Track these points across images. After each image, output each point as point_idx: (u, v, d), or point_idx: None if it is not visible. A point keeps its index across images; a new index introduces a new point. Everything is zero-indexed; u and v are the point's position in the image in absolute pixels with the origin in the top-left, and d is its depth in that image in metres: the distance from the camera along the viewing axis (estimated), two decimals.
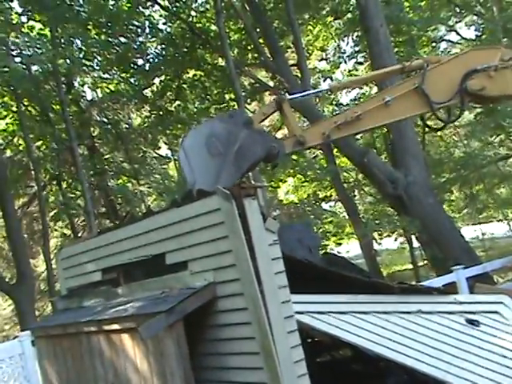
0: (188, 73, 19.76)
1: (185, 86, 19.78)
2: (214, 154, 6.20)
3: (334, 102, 23.12)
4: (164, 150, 22.98)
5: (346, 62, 22.64)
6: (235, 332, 4.47)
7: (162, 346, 4.38)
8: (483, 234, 24.55)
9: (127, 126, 21.05)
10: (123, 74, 19.19)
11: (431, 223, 14.86)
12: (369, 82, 10.38)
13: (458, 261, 13.20)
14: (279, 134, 18.58)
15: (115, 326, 4.91)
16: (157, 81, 19.81)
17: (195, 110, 20.00)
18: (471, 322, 5.93)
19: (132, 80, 19.37)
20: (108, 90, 19.89)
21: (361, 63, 21.78)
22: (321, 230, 21.52)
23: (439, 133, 24.02)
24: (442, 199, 19.26)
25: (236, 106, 17.70)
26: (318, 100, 21.59)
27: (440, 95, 6.92)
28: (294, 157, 20.14)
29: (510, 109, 18.34)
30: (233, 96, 18.43)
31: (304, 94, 9.28)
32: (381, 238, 21.43)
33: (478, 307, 6.20)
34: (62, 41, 16.37)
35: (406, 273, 24.26)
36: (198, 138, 6.37)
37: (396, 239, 20.14)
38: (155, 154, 22.26)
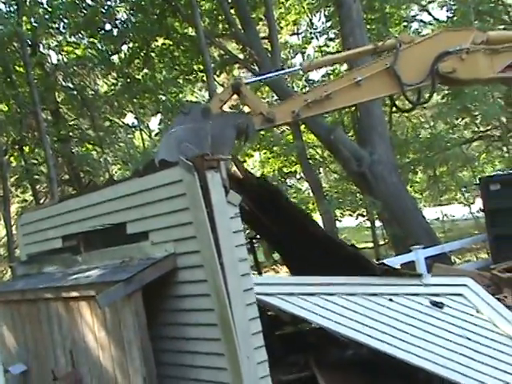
0: (157, 41, 19.38)
1: (153, 54, 19.43)
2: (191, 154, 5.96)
3: (304, 78, 23.06)
4: (130, 119, 22.67)
5: (317, 39, 22.55)
6: (194, 303, 4.50)
7: (119, 315, 4.37)
8: (444, 216, 24.96)
9: (93, 92, 20.64)
10: (90, 39, 18.76)
11: (394, 202, 15.03)
12: (341, 61, 10.33)
13: (418, 241, 13.43)
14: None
15: (74, 294, 4.90)
16: (125, 48, 19.41)
17: (163, 79, 19.68)
18: (436, 305, 6.00)
19: (99, 45, 18.94)
20: (74, 55, 19.42)
21: (332, 39, 21.70)
22: None
23: (406, 113, 24.24)
24: (405, 179, 19.52)
25: (205, 78, 17.51)
26: (287, 76, 21.50)
27: (411, 76, 6.93)
28: (262, 132, 20.08)
29: (477, 92, 18.57)
30: (202, 67, 18.20)
31: (265, 76, 9.20)
32: (342, 216, 21.65)
33: (443, 289, 6.28)
34: (28, 0, 15.90)
35: (366, 251, 24.63)
36: (170, 151, 6.22)
37: (357, 217, 20.34)
38: (121, 123, 21.92)
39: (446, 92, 20.96)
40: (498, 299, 6.68)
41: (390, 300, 5.88)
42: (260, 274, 10.36)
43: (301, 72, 8.98)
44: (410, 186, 22.49)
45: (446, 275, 6.98)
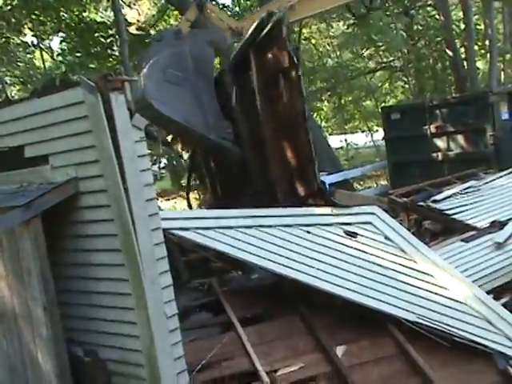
0: None
1: None
2: (179, 82, 6.37)
3: (213, 2, 22.40)
4: (29, 38, 21.26)
5: None
6: (98, 229, 4.40)
7: (17, 242, 4.21)
8: (347, 144, 25.68)
9: None
10: None
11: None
12: None
13: (322, 168, 13.76)
14: None
15: None
16: None
17: None
18: (350, 234, 6.18)
19: None
20: None
21: None
22: None
23: (313, 41, 24.33)
24: (312, 108, 19.75)
25: None
26: None
27: None
28: None
29: (382, 23, 18.83)
30: None
31: None
32: None
33: (353, 218, 6.47)
34: None
35: None
36: (157, 81, 6.32)
37: None
38: (19, 41, 20.53)
39: (352, 22, 21.11)
40: None
41: (308, 232, 6.01)
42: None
43: None
44: (317, 115, 22.82)
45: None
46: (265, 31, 6.70)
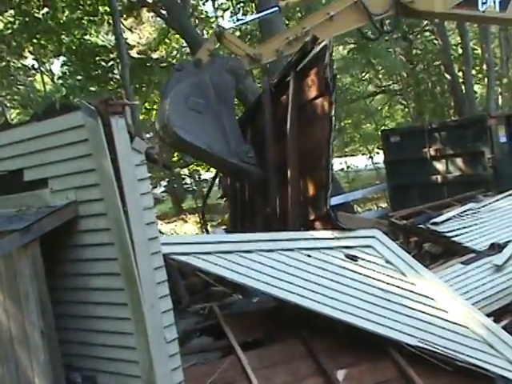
0: None
1: None
2: (202, 110, 6.72)
3: (213, 26, 22.63)
4: (30, 61, 21.44)
5: None
6: (97, 252, 4.37)
7: (16, 266, 4.18)
8: (348, 167, 25.74)
9: None
10: None
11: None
12: (310, 1, 10.87)
13: None
14: None
15: None
16: None
17: (65, 19, 18.62)
18: (350, 258, 6.15)
19: None
20: None
21: None
22: None
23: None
24: None
25: (111, 20, 16.74)
26: (197, 22, 21.00)
27: (378, 7, 7.71)
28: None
29: (381, 47, 18.99)
30: (108, 9, 17.37)
31: (246, 20, 9.70)
32: None
33: (354, 242, 6.44)
34: None
35: None
36: (180, 110, 6.71)
37: None
38: (20, 65, 20.70)
39: (352, 46, 21.32)
40: None
41: (309, 256, 5.98)
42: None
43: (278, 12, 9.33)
44: None
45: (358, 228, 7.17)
46: (309, 56, 6.93)
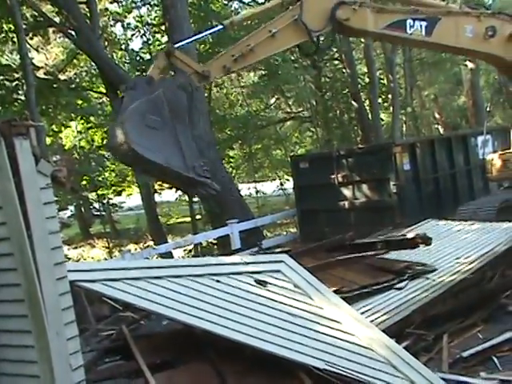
0: None
1: None
2: (159, 126, 6.90)
3: (122, 48, 22.52)
4: None
5: (138, 8, 22.12)
6: (0, 278, 4.21)
7: None
8: (257, 192, 26.06)
9: None
10: None
11: (211, 178, 15.29)
12: (257, 17, 11.16)
13: (233, 215, 13.89)
14: None
15: None
16: None
17: None
18: (260, 283, 6.19)
19: None
20: None
21: (155, 5, 21.45)
22: (101, 178, 21.04)
23: (224, 90, 24.83)
24: (222, 155, 19.98)
25: (16, 39, 16.23)
26: (106, 44, 20.78)
27: (316, 24, 7.99)
28: (79, 101, 19.25)
29: (290, 74, 19.50)
30: (12, 27, 16.84)
31: (192, 39, 10.05)
32: (162, 189, 21.61)
33: (263, 267, 6.52)
34: None
35: (183, 225, 24.93)
36: (137, 125, 6.80)
37: (176, 191, 20.46)
38: None
39: (263, 72, 21.76)
40: None
41: (218, 281, 6.00)
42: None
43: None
44: (227, 162, 23.09)
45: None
46: None
